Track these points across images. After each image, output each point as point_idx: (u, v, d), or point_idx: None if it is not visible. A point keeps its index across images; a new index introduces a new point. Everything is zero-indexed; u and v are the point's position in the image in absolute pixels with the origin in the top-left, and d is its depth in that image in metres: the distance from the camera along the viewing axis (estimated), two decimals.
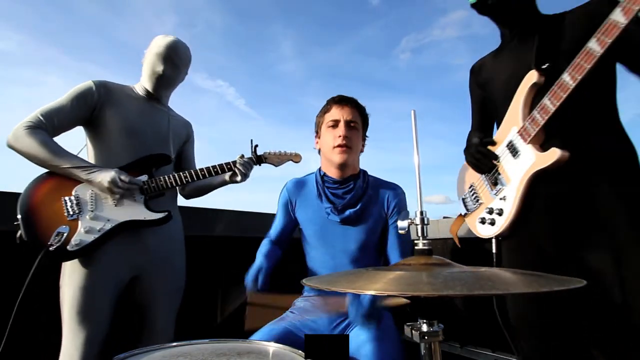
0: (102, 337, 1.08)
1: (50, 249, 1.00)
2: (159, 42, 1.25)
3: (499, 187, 0.97)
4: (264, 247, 1.18)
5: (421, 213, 0.59)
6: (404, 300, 0.89)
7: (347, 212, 1.14)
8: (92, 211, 1.09)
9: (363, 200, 1.17)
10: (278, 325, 1.07)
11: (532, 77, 0.90)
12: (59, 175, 1.09)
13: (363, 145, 1.25)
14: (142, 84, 1.28)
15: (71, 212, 1.07)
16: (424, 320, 0.52)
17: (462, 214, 1.15)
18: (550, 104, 0.83)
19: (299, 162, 1.41)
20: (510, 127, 0.96)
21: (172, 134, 1.31)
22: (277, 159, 1.37)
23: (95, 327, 1.06)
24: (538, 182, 0.89)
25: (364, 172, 1.24)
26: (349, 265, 1.13)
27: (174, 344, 0.79)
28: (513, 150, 0.94)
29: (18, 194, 1.24)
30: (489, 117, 1.17)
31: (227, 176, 1.34)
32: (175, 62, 1.26)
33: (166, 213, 1.18)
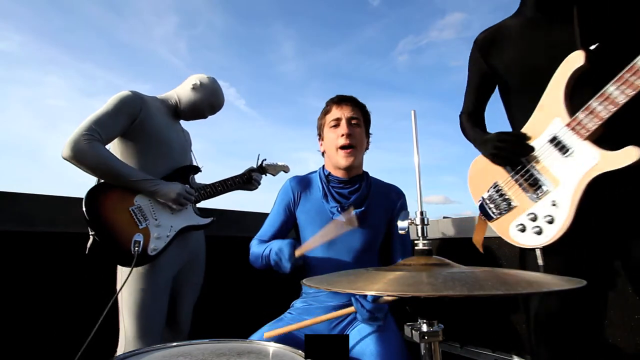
0: (161, 330, 1.19)
1: (134, 255, 1.10)
2: (220, 99, 1.45)
3: (542, 189, 0.83)
4: (257, 246, 1.15)
5: (421, 213, 0.59)
6: (389, 298, 0.89)
7: (353, 213, 1.13)
8: (156, 219, 1.20)
9: (368, 200, 1.17)
10: (276, 326, 1.07)
11: (577, 59, 0.76)
12: (114, 187, 1.16)
13: (368, 143, 1.25)
14: (178, 103, 1.39)
15: (141, 221, 1.17)
16: (424, 320, 0.52)
17: (484, 218, 0.97)
18: (620, 93, 0.69)
19: (288, 172, 1.67)
20: (551, 119, 0.82)
21: (189, 144, 1.47)
22: (274, 170, 1.64)
23: (157, 324, 1.17)
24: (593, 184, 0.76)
25: (367, 173, 1.25)
26: (352, 265, 1.13)
27: (174, 344, 0.79)
28: (561, 147, 0.80)
29: (18, 194, 1.24)
30: (485, 97, 1.06)
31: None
32: (214, 114, 1.48)
33: (213, 218, 1.35)
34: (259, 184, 1.56)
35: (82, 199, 1.11)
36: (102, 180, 1.16)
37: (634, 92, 0.68)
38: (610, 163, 0.72)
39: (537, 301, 0.89)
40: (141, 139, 1.23)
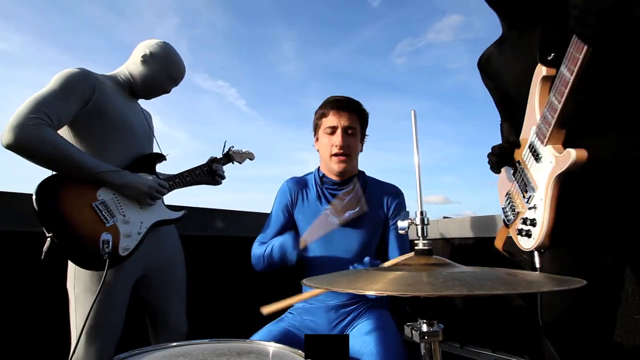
0: (116, 341, 1.06)
1: (105, 257, 0.96)
2: (178, 67, 1.25)
3: (529, 194, 0.89)
4: (258, 248, 1.16)
5: (421, 213, 0.59)
6: None
7: (347, 214, 1.13)
8: (123, 215, 1.06)
9: (362, 201, 1.16)
10: (277, 326, 1.07)
11: (539, 70, 0.84)
12: (71, 181, 1.00)
13: (362, 145, 1.24)
14: (132, 80, 1.21)
15: (108, 219, 1.02)
16: (424, 320, 0.51)
17: (506, 225, 1.04)
18: (555, 100, 0.76)
19: (253, 159, 1.51)
20: (530, 128, 0.89)
21: (151, 128, 1.31)
22: (240, 157, 1.47)
23: (113, 332, 1.05)
24: (575, 183, 0.79)
25: (362, 173, 1.24)
26: (349, 266, 1.13)
27: (174, 344, 0.79)
28: (535, 153, 0.87)
29: (18, 194, 1.24)
30: (510, 105, 1.10)
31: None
32: (177, 85, 1.30)
33: (185, 211, 1.22)
34: (223, 177, 1.37)
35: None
36: (55, 173, 1.00)
37: (563, 98, 0.74)
38: (559, 165, 0.78)
39: (547, 301, 0.90)
40: (96, 124, 1.06)
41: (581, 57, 0.68)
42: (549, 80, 0.83)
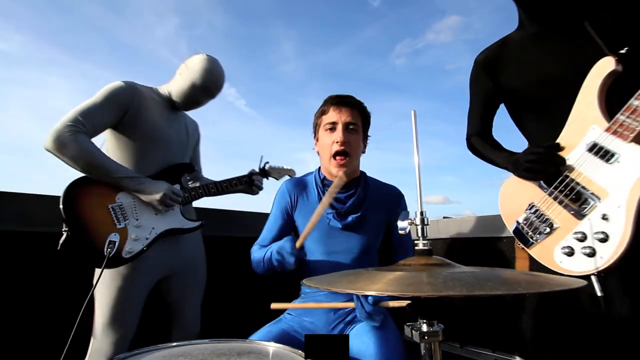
0: (132, 337, 1.13)
1: (106, 256, 1.02)
2: (210, 76, 1.24)
3: (589, 202, 0.73)
4: (258, 251, 1.14)
5: (421, 213, 0.59)
6: (404, 302, 0.84)
7: (350, 218, 1.11)
8: (137, 219, 1.13)
9: (365, 204, 1.15)
10: (276, 327, 1.06)
11: (607, 64, 0.75)
12: (97, 182, 1.09)
13: (365, 146, 1.21)
14: (170, 94, 1.28)
15: (120, 221, 1.10)
16: (424, 320, 0.51)
17: (522, 246, 0.87)
18: None
19: (294, 176, 1.51)
20: (588, 127, 0.77)
21: (190, 141, 1.38)
22: (277, 174, 1.50)
23: (128, 328, 1.11)
24: None
25: (364, 174, 1.22)
26: (351, 268, 1.11)
27: (174, 344, 0.79)
28: (603, 153, 0.73)
29: (18, 194, 1.24)
30: (491, 116, 1.06)
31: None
32: (214, 96, 1.32)
33: (201, 222, 1.27)
34: (260, 188, 1.45)
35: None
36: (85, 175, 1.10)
37: None
38: None
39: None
40: (133, 133, 1.16)
41: None
42: (613, 77, 0.75)
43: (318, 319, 1.08)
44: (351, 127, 1.12)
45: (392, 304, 0.88)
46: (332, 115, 1.13)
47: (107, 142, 1.18)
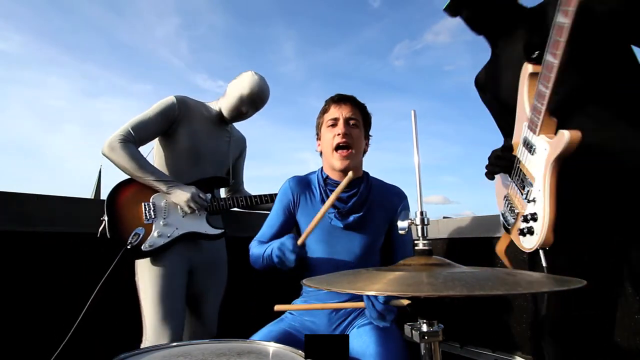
0: (182, 327, 1.24)
1: (128, 247, 1.18)
2: (255, 89, 1.37)
3: (527, 189, 0.87)
4: (257, 247, 1.14)
5: (421, 213, 0.59)
6: (405, 302, 0.86)
7: (352, 218, 1.11)
8: (164, 218, 1.27)
9: (367, 204, 1.15)
10: (277, 327, 1.07)
11: (527, 69, 0.87)
12: (139, 184, 1.26)
13: (367, 145, 1.22)
14: (220, 108, 1.43)
15: (148, 217, 1.25)
16: (424, 320, 0.51)
17: (507, 231, 1.02)
18: (543, 87, 0.78)
19: None
20: (522, 125, 0.90)
21: (231, 154, 1.51)
22: None
23: (179, 321, 1.22)
24: (571, 172, 0.78)
25: (367, 174, 1.22)
26: (352, 268, 1.11)
27: (174, 344, 0.79)
28: (529, 146, 0.87)
29: (18, 194, 1.24)
30: (508, 119, 1.12)
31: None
32: (259, 108, 1.44)
33: (223, 230, 1.36)
34: None
35: (80, 198, 1.19)
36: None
37: (551, 83, 0.75)
38: (554, 149, 0.77)
39: (547, 302, 0.90)
40: (174, 143, 1.33)
41: (563, 39, 0.70)
42: (535, 76, 0.84)
43: (319, 318, 1.08)
44: (352, 122, 1.14)
45: (403, 301, 0.87)
46: (333, 111, 1.15)
47: (154, 149, 1.37)
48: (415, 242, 0.59)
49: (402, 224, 0.62)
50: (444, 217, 1.76)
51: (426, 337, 0.50)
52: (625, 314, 1.09)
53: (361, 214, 1.12)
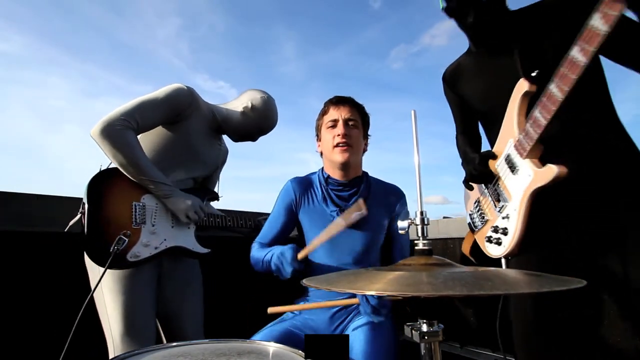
0: (154, 340, 1.09)
1: (112, 252, 0.99)
2: (271, 122, 1.36)
3: (502, 203, 0.92)
4: (258, 250, 1.15)
5: (421, 213, 0.59)
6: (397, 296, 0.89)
7: (354, 216, 1.12)
8: (153, 225, 1.11)
9: (367, 202, 1.15)
10: (279, 326, 1.07)
11: (522, 86, 0.86)
12: (129, 179, 1.07)
13: (366, 144, 1.24)
14: (223, 119, 1.31)
15: (137, 220, 1.08)
16: (424, 320, 0.51)
17: (472, 231, 1.09)
18: (541, 117, 0.77)
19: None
20: (507, 139, 0.91)
21: (220, 163, 1.41)
22: None
23: (149, 330, 1.08)
24: (544, 196, 0.83)
25: (366, 173, 1.23)
26: (353, 266, 1.12)
27: (174, 344, 0.79)
28: (511, 165, 0.89)
29: (18, 194, 1.24)
30: (471, 118, 1.15)
31: None
32: (266, 134, 1.41)
33: (209, 250, 1.24)
34: None
35: (80, 199, 1.03)
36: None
37: (551, 116, 0.75)
38: (539, 179, 0.80)
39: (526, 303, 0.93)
40: (173, 138, 1.17)
41: (574, 76, 0.70)
42: (528, 96, 0.86)
43: (320, 316, 1.09)
44: (351, 122, 1.16)
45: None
46: (333, 113, 1.17)
47: (149, 134, 1.16)
48: (415, 242, 0.59)
49: (402, 224, 0.63)
50: (444, 217, 1.76)
51: (426, 337, 0.51)
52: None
53: (362, 212, 1.13)
